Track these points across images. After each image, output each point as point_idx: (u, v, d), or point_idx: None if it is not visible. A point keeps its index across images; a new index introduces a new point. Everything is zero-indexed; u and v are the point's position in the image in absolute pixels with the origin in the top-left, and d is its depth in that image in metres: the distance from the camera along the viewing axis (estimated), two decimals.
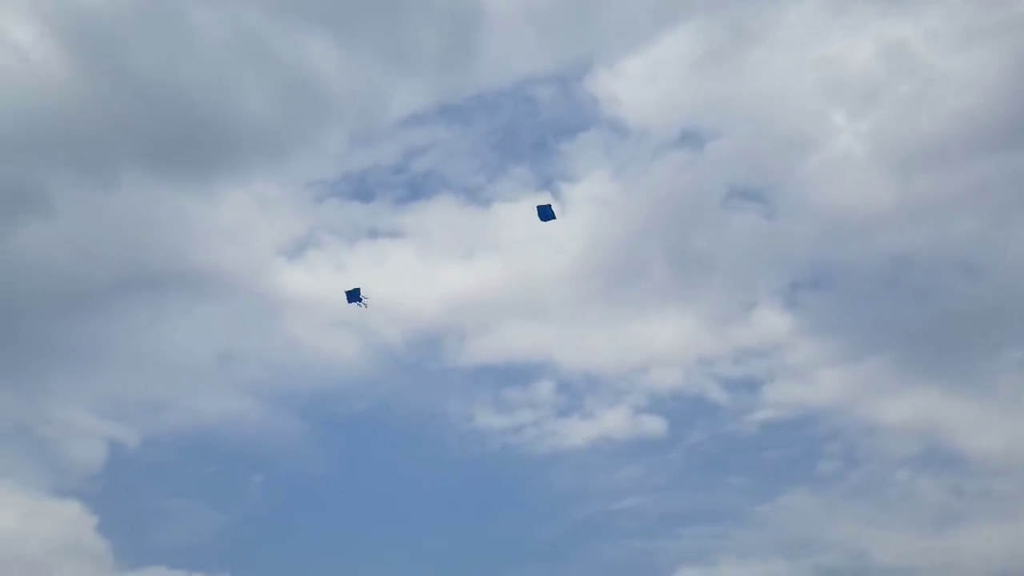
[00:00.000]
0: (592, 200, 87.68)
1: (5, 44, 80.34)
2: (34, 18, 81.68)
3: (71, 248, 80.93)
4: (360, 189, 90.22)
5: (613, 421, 79.40)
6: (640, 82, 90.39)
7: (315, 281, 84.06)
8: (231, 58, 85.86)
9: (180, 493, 76.63)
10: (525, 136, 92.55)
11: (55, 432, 75.99)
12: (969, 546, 70.57)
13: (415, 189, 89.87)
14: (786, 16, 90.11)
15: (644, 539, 74.54)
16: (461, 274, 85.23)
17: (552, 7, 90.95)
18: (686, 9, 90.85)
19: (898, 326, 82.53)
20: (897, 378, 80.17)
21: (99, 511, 73.45)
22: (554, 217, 55.46)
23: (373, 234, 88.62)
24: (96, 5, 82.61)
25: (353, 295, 56.61)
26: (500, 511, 76.19)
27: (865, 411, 78.38)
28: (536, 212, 55.37)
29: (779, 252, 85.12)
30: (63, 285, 79.73)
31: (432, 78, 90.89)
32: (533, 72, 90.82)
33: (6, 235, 78.48)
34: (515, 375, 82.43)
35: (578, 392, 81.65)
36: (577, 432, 79.58)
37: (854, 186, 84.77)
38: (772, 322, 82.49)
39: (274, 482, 78.36)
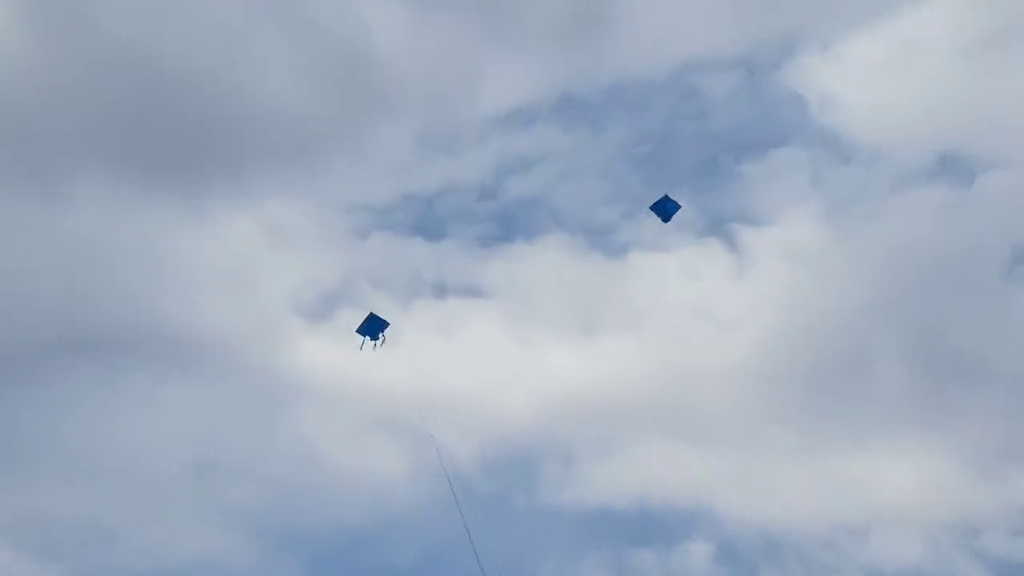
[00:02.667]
0: (787, 254, 77.51)
1: None
2: None
3: None
4: (426, 220, 78.07)
5: None
6: (871, 74, 79.75)
7: (347, 357, 66.94)
8: (241, 20, 75.40)
9: None
10: (685, 150, 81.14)
11: None
12: None
13: (509, 224, 78.28)
14: None
15: None
16: (573, 359, 74.48)
17: None
18: None
19: None
20: None
21: None
22: (674, 211, 52.61)
23: (441, 290, 76.74)
24: None
25: (371, 326, 49.99)
26: None
27: None
28: (655, 209, 52.90)
29: None
30: None
31: (546, 56, 78.67)
32: (701, 53, 79.00)
33: None
34: (652, 526, 70.70)
35: (751, 561, 69.68)
36: None
37: None
38: None
39: None
